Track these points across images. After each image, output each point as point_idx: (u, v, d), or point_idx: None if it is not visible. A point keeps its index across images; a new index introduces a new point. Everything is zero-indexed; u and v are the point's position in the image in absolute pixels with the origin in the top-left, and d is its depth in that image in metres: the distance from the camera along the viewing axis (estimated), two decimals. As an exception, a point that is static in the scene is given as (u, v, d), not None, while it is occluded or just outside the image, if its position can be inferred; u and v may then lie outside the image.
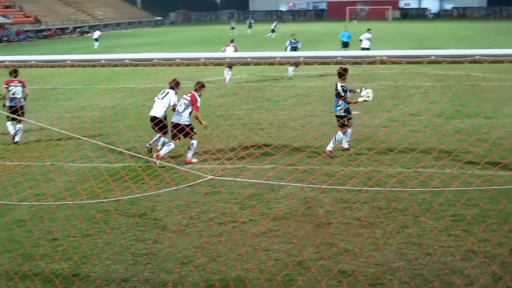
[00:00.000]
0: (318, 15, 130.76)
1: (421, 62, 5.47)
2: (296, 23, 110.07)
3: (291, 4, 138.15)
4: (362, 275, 8.18)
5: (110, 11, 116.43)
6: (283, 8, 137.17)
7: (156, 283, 8.13)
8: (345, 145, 14.87)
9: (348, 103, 14.68)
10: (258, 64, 5.89)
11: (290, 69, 29.78)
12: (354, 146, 14.90)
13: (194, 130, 14.23)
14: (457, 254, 8.72)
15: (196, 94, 14.33)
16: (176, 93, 14.74)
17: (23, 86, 16.90)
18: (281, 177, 12.58)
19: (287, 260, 8.64)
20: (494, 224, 9.75)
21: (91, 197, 11.07)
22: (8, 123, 16.96)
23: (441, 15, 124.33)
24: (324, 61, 5.79)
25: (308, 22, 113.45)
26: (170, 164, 13.42)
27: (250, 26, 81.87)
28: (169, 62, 6.02)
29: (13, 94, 16.68)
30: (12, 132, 16.81)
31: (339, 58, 5.65)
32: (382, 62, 5.48)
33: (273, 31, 69.05)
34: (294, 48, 31.62)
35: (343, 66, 13.99)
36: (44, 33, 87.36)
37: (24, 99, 16.99)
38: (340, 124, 14.64)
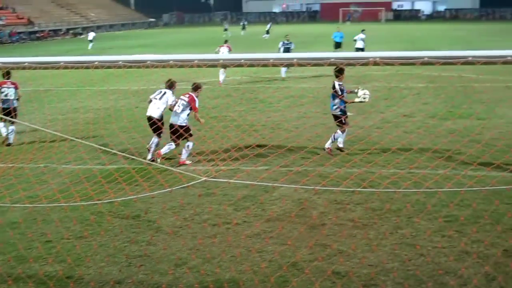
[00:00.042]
0: (312, 16, 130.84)
1: (414, 63, 5.49)
2: (289, 24, 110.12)
3: (284, 5, 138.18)
4: (356, 276, 8.20)
5: (103, 13, 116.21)
6: (276, 9, 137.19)
7: (150, 285, 8.12)
8: (340, 145, 14.90)
9: (345, 102, 14.76)
10: (251, 65, 5.90)
11: (283, 70, 29.84)
12: (348, 148, 14.93)
13: (191, 132, 14.23)
14: (450, 254, 8.74)
15: (194, 95, 14.34)
16: (172, 93, 14.76)
17: (16, 88, 16.87)
18: (275, 178, 12.59)
19: (281, 262, 8.65)
20: (487, 225, 9.79)
21: (85, 199, 11.05)
22: (1, 124, 16.93)
23: (434, 16, 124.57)
24: (318, 63, 5.80)
25: (301, 24, 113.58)
26: (164, 166, 13.41)
27: (243, 28, 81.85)
28: (163, 64, 6.03)
29: (6, 96, 16.64)
30: (4, 134, 16.79)
31: (332, 60, 5.66)
32: (375, 63, 5.50)
33: (267, 32, 69.15)
34: (287, 49, 31.63)
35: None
36: (37, 35, 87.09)
37: (17, 100, 16.96)
38: (337, 123, 14.73)
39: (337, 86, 14.67)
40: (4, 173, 13.55)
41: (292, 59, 5.79)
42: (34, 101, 21.71)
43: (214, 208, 11.06)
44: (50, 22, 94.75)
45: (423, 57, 5.41)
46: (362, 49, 36.08)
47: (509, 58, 5.24)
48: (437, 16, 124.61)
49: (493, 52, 5.35)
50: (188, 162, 14.21)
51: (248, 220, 10.46)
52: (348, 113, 15.48)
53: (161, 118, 14.60)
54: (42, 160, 14.41)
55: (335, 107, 14.83)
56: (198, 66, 5.95)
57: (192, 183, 12.12)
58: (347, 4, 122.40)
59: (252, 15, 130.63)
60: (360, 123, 16.97)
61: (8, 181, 12.50)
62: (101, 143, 14.74)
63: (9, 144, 16.52)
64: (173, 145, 14.27)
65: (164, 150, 14.28)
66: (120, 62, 6.07)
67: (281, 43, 32.61)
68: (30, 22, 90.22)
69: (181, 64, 5.99)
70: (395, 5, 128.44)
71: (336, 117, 14.81)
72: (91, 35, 62.68)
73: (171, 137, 14.29)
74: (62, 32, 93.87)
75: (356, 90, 14.91)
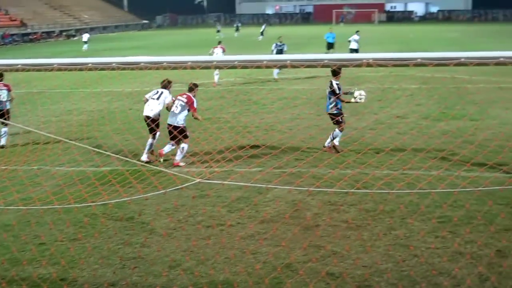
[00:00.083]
0: (305, 18, 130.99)
1: (407, 64, 5.50)
2: (283, 26, 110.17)
3: (277, 7, 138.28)
4: (350, 277, 8.21)
5: (97, 15, 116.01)
6: (269, 11, 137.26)
7: (144, 287, 8.12)
8: (337, 143, 15.00)
9: (341, 101, 14.87)
10: (245, 67, 5.91)
11: (275, 71, 29.90)
12: (341, 149, 14.98)
13: (187, 133, 14.25)
14: (444, 255, 8.77)
15: (191, 95, 14.37)
16: (169, 93, 14.81)
17: (9, 90, 16.84)
18: (268, 180, 12.60)
19: (275, 263, 8.66)
20: (480, 225, 9.82)
21: (79, 201, 11.03)
22: (-6, 126, 16.89)
23: (427, 18, 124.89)
24: (311, 64, 5.81)
25: (295, 25, 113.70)
26: (158, 168, 13.41)
27: (237, 30, 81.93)
28: (156, 66, 6.03)
29: (-1, 97, 16.60)
30: (-3, 136, 16.73)
31: (325, 61, 5.67)
32: (369, 65, 5.51)
33: (262, 34, 69.25)
34: (280, 51, 31.71)
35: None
36: (30, 37, 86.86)
37: (10, 101, 16.91)
38: (335, 122, 14.83)
39: (334, 85, 14.78)
40: (-3, 175, 13.52)
41: (286, 60, 5.80)
42: (27, 103, 21.64)
43: (208, 209, 11.06)
44: (43, 24, 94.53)
45: (416, 59, 5.43)
46: (356, 50, 36.28)
47: (501, 59, 5.27)
48: (430, 17, 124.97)
49: (485, 54, 5.37)
50: (182, 164, 14.20)
51: (242, 221, 10.46)
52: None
53: (158, 118, 14.63)
54: (36, 162, 14.38)
55: (331, 106, 14.92)
56: (192, 67, 5.96)
57: (186, 184, 12.11)
58: (340, 6, 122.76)
59: (245, 16, 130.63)
60: (354, 124, 16.99)
61: (1, 183, 12.46)
62: (95, 145, 14.75)
63: (2, 146, 16.48)
64: (174, 145, 14.31)
65: (166, 149, 14.34)
66: (114, 64, 6.06)
67: (274, 45, 32.66)
68: (23, 24, 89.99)
69: (174, 66, 6.00)
70: (388, 7, 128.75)
71: (332, 116, 14.92)
72: (85, 36, 62.59)
73: (170, 137, 14.30)
74: (55, 34, 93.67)
75: (352, 91, 15.03)
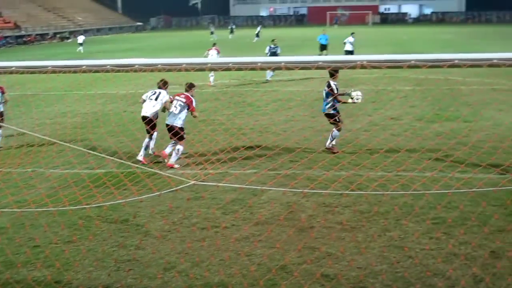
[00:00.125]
0: (299, 20, 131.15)
1: (401, 66, 5.52)
2: (277, 28, 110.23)
3: (271, 9, 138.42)
4: (345, 278, 8.22)
5: (90, 17, 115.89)
6: (263, 13, 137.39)
7: (139, 289, 8.12)
8: (334, 142, 15.11)
9: (338, 101, 14.99)
10: (239, 69, 5.92)
11: (270, 73, 29.98)
12: (330, 149, 15.03)
13: (184, 135, 14.27)
14: (438, 256, 8.79)
15: (189, 95, 14.41)
16: (167, 93, 14.86)
17: (3, 92, 16.81)
18: (263, 181, 12.61)
19: (270, 265, 8.66)
20: (474, 227, 9.85)
21: (73, 203, 11.02)
22: (-12, 129, 16.85)
23: (421, 19, 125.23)
24: (305, 66, 5.82)
25: (289, 27, 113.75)
26: (152, 170, 13.40)
27: (231, 32, 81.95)
28: (151, 68, 6.02)
29: (-8, 100, 16.58)
30: (-8, 138, 16.70)
31: (320, 63, 5.68)
32: (363, 66, 5.52)
33: (257, 35, 69.34)
34: (274, 54, 31.76)
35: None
36: (24, 39, 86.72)
37: (4, 103, 16.88)
38: (332, 122, 14.93)
39: (332, 85, 14.92)
40: (-8, 178, 13.49)
41: (280, 62, 5.81)
42: (21, 106, 21.60)
43: (202, 211, 11.06)
44: (37, 26, 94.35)
45: (410, 60, 5.44)
46: (351, 52, 36.36)
47: (495, 61, 5.28)
48: (424, 19, 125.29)
49: (479, 55, 5.39)
50: (176, 166, 14.20)
51: (237, 223, 10.47)
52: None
53: (155, 118, 14.66)
54: (30, 164, 14.35)
55: (328, 106, 15.05)
56: (186, 70, 5.96)
57: (181, 186, 12.12)
58: (334, 8, 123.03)
59: (239, 18, 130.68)
60: (348, 126, 17.00)
61: (-5, 186, 12.44)
62: (89, 147, 14.75)
63: (-4, 149, 16.45)
64: (176, 142, 14.37)
65: (168, 150, 14.36)
66: (108, 66, 6.06)
67: (268, 47, 32.69)
68: (17, 26, 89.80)
69: (169, 68, 5.99)
70: (382, 9, 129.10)
71: (329, 116, 15.04)
72: (81, 38, 62.50)
73: (171, 138, 14.33)
74: (49, 36, 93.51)
75: (349, 92, 15.16)
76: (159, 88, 14.92)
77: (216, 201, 11.67)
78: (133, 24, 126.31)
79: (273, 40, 33.26)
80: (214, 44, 32.24)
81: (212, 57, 28.08)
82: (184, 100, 14.30)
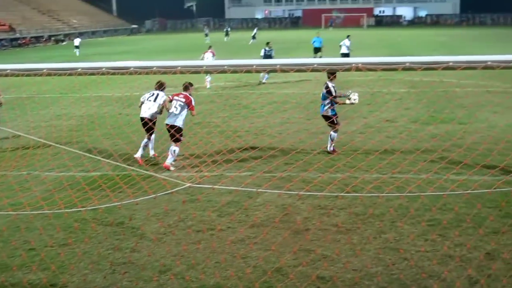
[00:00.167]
0: (294, 22, 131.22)
1: (396, 68, 5.53)
2: (272, 30, 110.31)
3: (266, 11, 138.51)
4: (340, 280, 8.24)
5: (85, 19, 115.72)
6: (258, 15, 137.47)
7: (135, 291, 8.11)
8: (331, 148, 15.21)
9: (336, 103, 15.09)
10: (235, 72, 5.92)
11: (265, 76, 30.04)
12: (331, 152, 15.06)
13: (182, 137, 14.32)
14: (433, 258, 8.81)
15: (188, 94, 14.47)
16: (164, 94, 14.96)
17: (-2, 95, 16.79)
18: (258, 184, 12.61)
19: (266, 267, 8.67)
20: (469, 228, 9.88)
21: (69, 206, 11.00)
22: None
23: (415, 22, 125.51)
24: (300, 69, 5.83)
25: (284, 30, 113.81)
26: (148, 172, 13.39)
27: (227, 34, 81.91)
28: (146, 71, 6.03)
29: (-13, 103, 16.56)
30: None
31: (315, 65, 5.69)
32: (358, 69, 5.54)
33: (253, 37, 69.37)
34: (269, 57, 31.89)
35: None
36: (19, 42, 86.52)
37: (-1, 107, 16.89)
38: (329, 123, 15.03)
39: (331, 87, 15.06)
40: (-13, 181, 13.46)
41: (275, 65, 5.82)
42: (16, 108, 21.55)
43: (198, 214, 11.06)
44: (32, 29, 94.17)
45: (404, 63, 5.46)
46: (347, 55, 36.39)
47: (489, 63, 5.30)
48: (419, 21, 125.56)
49: (473, 57, 5.40)
50: (172, 168, 14.20)
51: (232, 226, 10.47)
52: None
53: (154, 119, 14.73)
54: (25, 167, 14.33)
55: (326, 107, 15.14)
56: (182, 72, 5.96)
57: (176, 189, 12.11)
58: (329, 10, 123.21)
59: (234, 21, 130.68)
60: (343, 128, 17.00)
61: (-10, 189, 12.41)
62: (85, 150, 14.73)
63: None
64: (177, 148, 14.43)
65: (168, 161, 14.42)
66: (104, 69, 6.06)
67: (263, 50, 32.81)
68: (12, 29, 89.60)
69: (164, 71, 6.00)
70: (376, 11, 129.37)
71: (327, 117, 15.14)
72: (77, 41, 62.37)
73: (171, 138, 14.37)
74: (44, 39, 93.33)
75: (347, 93, 15.27)
76: (158, 89, 14.99)
77: (212, 203, 11.68)
78: (128, 26, 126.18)
79: (268, 43, 33.32)
80: (209, 47, 32.27)
81: (207, 60, 28.12)
82: (183, 100, 14.36)
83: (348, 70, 5.56)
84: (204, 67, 6.18)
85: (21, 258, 9.19)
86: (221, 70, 5.88)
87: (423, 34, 79.48)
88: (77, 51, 59.79)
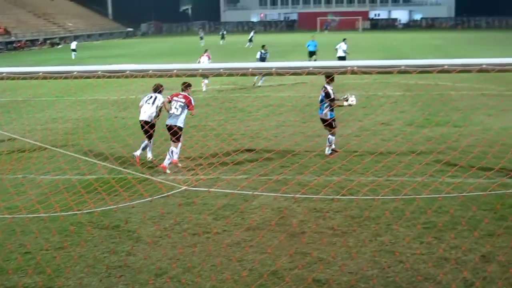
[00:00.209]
0: (289, 25, 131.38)
1: (391, 72, 5.55)
2: (268, 34, 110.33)
3: (262, 15, 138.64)
4: (336, 283, 8.25)
5: (81, 22, 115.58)
6: (254, 19, 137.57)
7: (131, 294, 8.11)
8: (329, 151, 15.25)
9: (335, 105, 15.22)
10: (230, 75, 5.93)
11: (261, 79, 30.10)
12: (327, 155, 15.10)
13: (181, 138, 14.37)
14: (429, 261, 8.83)
15: (187, 94, 14.53)
16: (162, 97, 15.01)
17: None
18: (254, 187, 12.62)
19: (262, 270, 8.68)
20: (464, 231, 9.91)
21: (64, 209, 11.00)
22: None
23: (411, 25, 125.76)
24: (296, 72, 5.85)
25: (280, 33, 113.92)
26: (144, 175, 13.39)
27: (222, 37, 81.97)
28: (142, 74, 6.03)
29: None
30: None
31: (311, 69, 5.71)
32: (353, 72, 5.55)
33: (250, 40, 69.42)
34: (263, 59, 32.09)
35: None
36: (14, 45, 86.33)
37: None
38: (326, 126, 15.11)
39: (330, 90, 15.23)
40: (-18, 184, 13.43)
41: (271, 68, 5.83)
42: (12, 112, 21.55)
43: (194, 217, 11.06)
44: (27, 32, 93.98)
45: (400, 66, 5.48)
46: (343, 58, 36.43)
47: (484, 66, 5.33)
48: (414, 25, 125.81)
49: (468, 61, 5.43)
50: (168, 171, 14.21)
51: (228, 229, 10.48)
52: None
53: (153, 122, 14.79)
54: (21, 170, 14.30)
55: (325, 110, 15.22)
56: (177, 75, 5.97)
57: (172, 192, 12.12)
58: (324, 14, 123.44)
59: (230, 24, 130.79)
60: (339, 131, 17.04)
61: (-14, 192, 12.39)
62: (81, 153, 14.72)
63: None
64: (179, 145, 14.42)
65: (175, 155, 14.43)
66: (99, 72, 6.06)
67: (259, 53, 33.01)
68: (7, 32, 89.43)
69: (160, 74, 6.01)
70: (372, 14, 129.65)
71: (324, 120, 15.21)
72: (73, 44, 62.31)
73: (171, 139, 14.40)
74: (39, 42, 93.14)
75: (345, 96, 15.37)
76: (155, 92, 15.06)
77: (208, 206, 11.68)
78: (124, 30, 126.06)
79: (263, 46, 33.47)
80: (206, 50, 32.34)
81: (203, 63, 28.15)
82: (183, 100, 14.46)
83: (344, 73, 5.58)
84: (200, 70, 6.19)
85: (17, 262, 9.18)
86: (217, 73, 5.89)
87: (418, 37, 79.67)
88: (73, 54, 59.72)
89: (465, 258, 8.91)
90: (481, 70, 5.36)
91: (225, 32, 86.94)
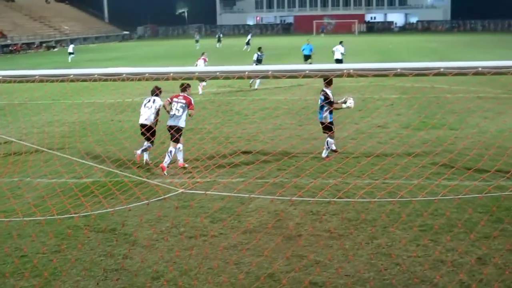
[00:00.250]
0: (285, 28, 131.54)
1: (387, 74, 5.57)
2: (264, 36, 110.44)
3: (258, 18, 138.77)
4: (333, 286, 8.26)
5: (77, 26, 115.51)
6: (250, 22, 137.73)
7: (128, 298, 8.11)
8: (333, 147, 15.32)
9: (334, 108, 15.32)
10: (227, 78, 5.95)
11: (257, 81, 30.16)
12: (323, 158, 15.12)
13: (181, 138, 14.42)
14: (425, 263, 8.85)
15: (186, 95, 14.61)
16: (160, 99, 15.08)
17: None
18: (251, 190, 12.62)
19: (258, 273, 8.68)
20: (460, 233, 9.93)
21: (61, 212, 10.98)
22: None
23: (407, 28, 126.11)
24: (292, 75, 5.86)
25: (276, 36, 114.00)
26: (140, 178, 13.39)
27: (219, 40, 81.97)
28: (139, 77, 6.04)
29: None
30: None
31: (307, 72, 5.72)
32: (349, 75, 5.57)
33: (248, 43, 69.44)
34: (260, 61, 32.22)
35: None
36: (10, 48, 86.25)
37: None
38: (325, 129, 15.18)
39: (329, 94, 15.39)
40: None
41: (268, 71, 5.85)
42: (8, 115, 21.52)
43: (190, 220, 11.06)
44: (23, 35, 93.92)
45: (396, 69, 5.49)
46: (340, 61, 36.45)
47: (480, 69, 5.35)
48: (410, 28, 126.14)
49: (464, 63, 5.44)
50: (166, 173, 14.22)
51: (225, 232, 10.48)
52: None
53: (153, 125, 14.84)
54: (17, 173, 14.26)
55: (324, 114, 15.30)
56: (174, 78, 5.98)
57: (169, 195, 12.12)
58: (320, 17, 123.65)
59: (226, 27, 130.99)
60: (335, 134, 17.06)
61: (-18, 195, 12.37)
62: (77, 156, 14.69)
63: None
64: (180, 146, 14.53)
65: (178, 156, 14.57)
66: (96, 75, 6.07)
67: (256, 55, 33.11)
68: (3, 35, 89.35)
69: (157, 77, 6.02)
70: (368, 17, 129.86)
71: (323, 123, 15.30)
72: (70, 47, 62.27)
73: (172, 139, 14.43)
74: (35, 45, 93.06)
75: (344, 99, 15.48)
76: (154, 95, 15.10)
77: (204, 209, 11.68)
78: (120, 33, 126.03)
79: (259, 48, 33.62)
80: (202, 53, 32.45)
81: (200, 66, 28.19)
82: (184, 101, 14.58)
83: (340, 76, 5.59)
84: (197, 74, 6.21)
85: (13, 265, 9.17)
86: (214, 77, 5.91)
87: (414, 40, 79.84)
88: (70, 57, 59.66)
89: (461, 261, 8.93)
90: (477, 73, 5.38)
91: (221, 35, 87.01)
